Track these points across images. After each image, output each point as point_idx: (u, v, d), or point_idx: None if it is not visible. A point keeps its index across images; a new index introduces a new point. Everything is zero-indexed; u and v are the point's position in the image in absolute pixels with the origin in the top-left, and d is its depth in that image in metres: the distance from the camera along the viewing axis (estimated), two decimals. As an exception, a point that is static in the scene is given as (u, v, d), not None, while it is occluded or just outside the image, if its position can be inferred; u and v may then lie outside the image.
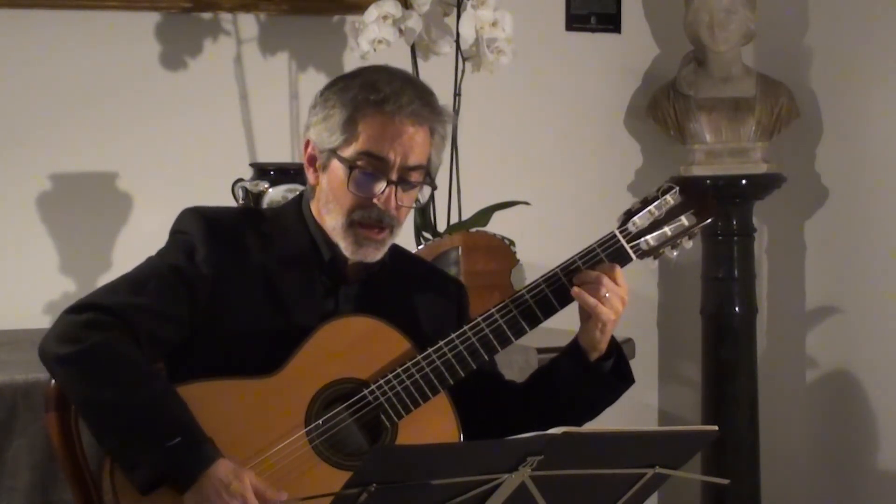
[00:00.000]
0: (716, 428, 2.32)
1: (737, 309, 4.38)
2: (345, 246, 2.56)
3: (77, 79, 3.89)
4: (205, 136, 4.00)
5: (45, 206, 3.86)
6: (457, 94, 3.92)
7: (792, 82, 4.41)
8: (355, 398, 2.51)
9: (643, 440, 2.31)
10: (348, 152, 2.54)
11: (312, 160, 2.60)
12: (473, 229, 3.82)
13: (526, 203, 3.93)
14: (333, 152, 2.55)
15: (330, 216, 2.57)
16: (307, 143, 2.60)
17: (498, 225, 3.85)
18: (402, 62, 3.85)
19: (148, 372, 2.44)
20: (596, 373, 2.61)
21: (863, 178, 4.34)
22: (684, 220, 2.59)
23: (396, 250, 2.69)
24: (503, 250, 3.74)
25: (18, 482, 3.04)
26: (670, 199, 2.58)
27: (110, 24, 3.91)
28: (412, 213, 3.83)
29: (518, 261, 3.75)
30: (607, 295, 2.53)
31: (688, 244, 2.61)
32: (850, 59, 4.35)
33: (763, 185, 4.37)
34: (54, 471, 3.00)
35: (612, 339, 2.62)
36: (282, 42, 4.07)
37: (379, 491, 2.10)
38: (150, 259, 2.58)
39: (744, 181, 4.34)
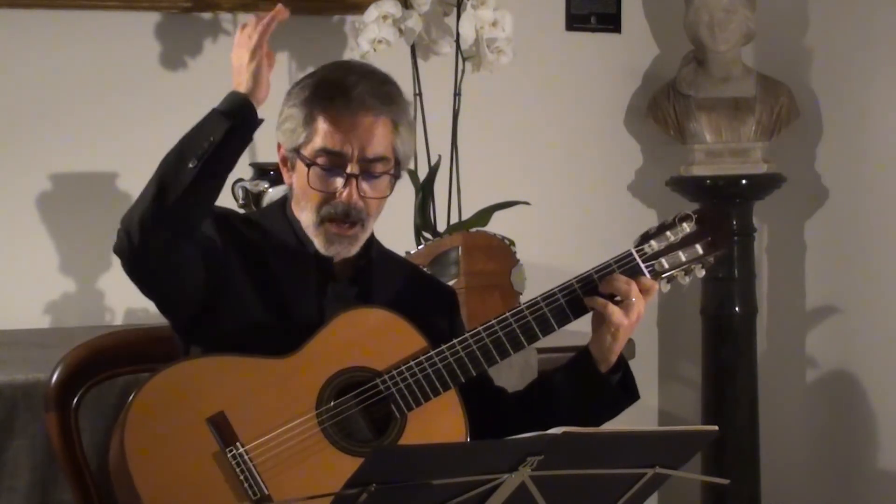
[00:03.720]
0: (716, 428, 2.32)
1: (737, 309, 4.38)
2: (318, 244, 2.61)
3: (77, 79, 3.89)
4: (205, 136, 3.99)
5: (45, 206, 3.86)
6: (457, 94, 3.92)
7: (792, 82, 4.41)
8: (367, 386, 2.53)
9: (643, 440, 2.31)
10: (308, 150, 2.59)
11: (284, 161, 2.66)
12: (473, 229, 3.81)
13: (526, 203, 3.93)
14: (297, 152, 2.61)
15: (303, 214, 2.62)
16: (278, 146, 2.66)
17: (498, 225, 3.85)
18: (402, 62, 3.86)
19: None
20: (603, 384, 2.62)
21: (863, 178, 4.34)
22: (699, 249, 2.63)
23: (386, 253, 2.72)
24: (503, 250, 3.74)
25: (18, 482, 3.04)
26: (686, 227, 2.62)
27: (110, 24, 3.91)
28: (412, 213, 3.84)
29: (518, 261, 3.75)
30: (633, 300, 2.56)
31: (700, 272, 2.65)
32: (850, 59, 4.35)
33: (763, 185, 4.37)
34: (54, 471, 3.00)
35: (621, 355, 2.63)
36: (282, 42, 4.06)
37: (379, 491, 2.10)
38: None
39: (744, 181, 4.34)
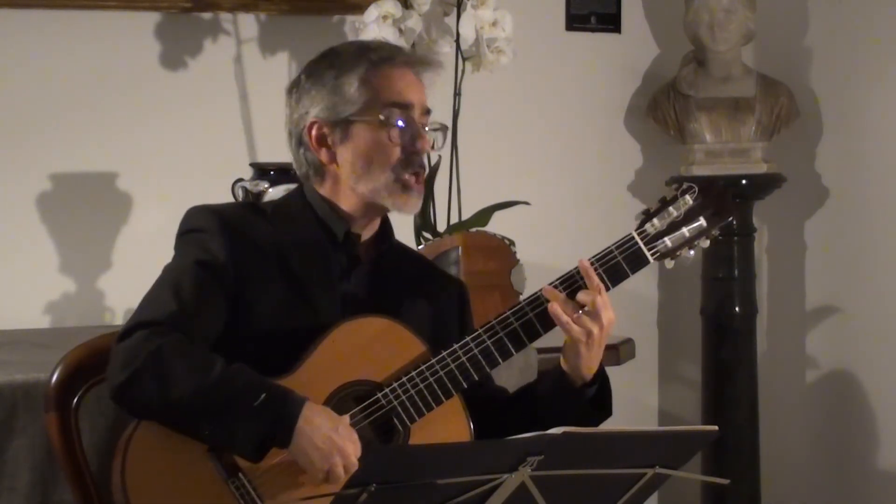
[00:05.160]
0: (716, 428, 2.32)
1: (737, 309, 4.38)
2: (392, 201, 2.59)
3: (77, 79, 3.89)
4: (205, 136, 4.00)
5: (45, 206, 3.86)
6: (457, 94, 3.92)
7: (792, 82, 4.41)
8: (369, 401, 2.50)
9: (643, 440, 2.31)
10: (373, 111, 2.57)
11: (322, 140, 2.61)
12: (473, 229, 3.82)
13: (526, 203, 3.93)
14: (354, 118, 2.58)
15: (368, 182, 2.58)
16: (311, 126, 2.60)
17: (498, 225, 3.85)
18: (402, 62, 3.86)
19: (209, 354, 2.45)
20: (572, 397, 2.57)
21: (863, 178, 4.34)
22: (703, 221, 2.59)
23: (400, 245, 2.71)
24: (503, 250, 3.74)
25: (18, 482, 3.04)
26: (689, 200, 2.58)
27: (110, 24, 3.91)
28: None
29: (518, 261, 3.75)
30: (579, 313, 2.51)
31: (705, 244, 2.60)
32: (850, 59, 4.35)
33: (763, 185, 4.37)
34: (54, 471, 2.99)
35: (602, 369, 2.58)
36: (282, 42, 4.07)
37: (379, 491, 2.10)
38: (169, 267, 2.57)
39: (744, 181, 4.34)
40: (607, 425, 2.59)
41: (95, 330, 2.86)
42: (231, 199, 3.68)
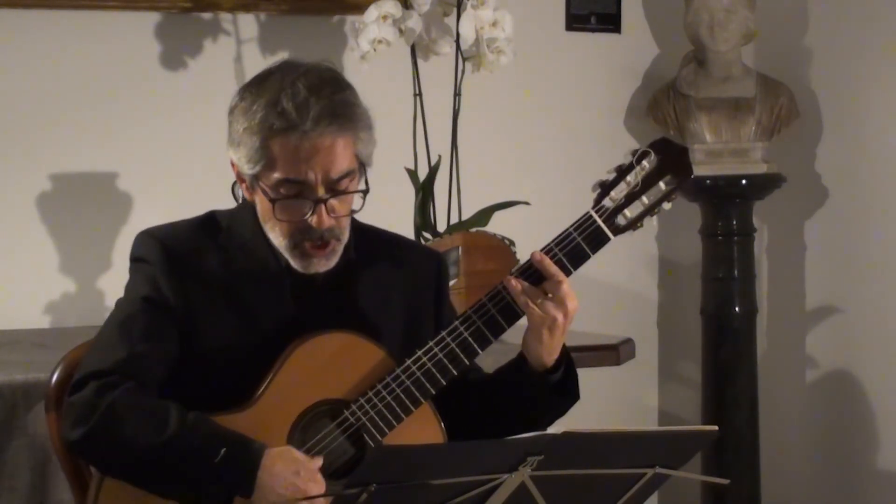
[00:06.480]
0: (716, 428, 2.32)
1: (737, 309, 4.38)
2: (294, 264, 2.50)
3: (77, 79, 3.89)
4: (205, 136, 3.99)
5: (45, 206, 3.86)
6: (457, 94, 3.92)
7: (792, 82, 4.41)
8: (337, 421, 2.46)
9: (643, 440, 2.31)
10: (268, 181, 2.46)
11: (241, 178, 2.53)
12: (473, 229, 3.82)
13: (526, 203, 3.93)
14: (256, 179, 2.48)
15: (272, 234, 2.51)
16: (232, 163, 2.52)
17: (498, 225, 3.85)
18: (402, 62, 3.86)
19: (163, 406, 2.41)
20: (534, 384, 2.53)
21: (863, 178, 4.34)
22: (662, 185, 2.51)
23: (365, 230, 2.61)
24: (503, 250, 3.74)
25: (18, 482, 3.04)
26: (646, 165, 2.51)
27: (110, 24, 3.91)
28: (412, 213, 3.84)
29: (518, 261, 3.74)
30: (542, 300, 2.47)
31: (667, 206, 2.53)
32: (850, 59, 4.35)
33: (763, 185, 4.37)
34: (54, 471, 3.00)
35: (566, 353, 2.54)
36: (282, 42, 4.07)
37: (379, 491, 2.10)
38: (120, 303, 2.55)
39: (744, 181, 4.34)
40: (606, 425, 2.59)
41: (95, 330, 2.85)
42: (231, 200, 3.67)
